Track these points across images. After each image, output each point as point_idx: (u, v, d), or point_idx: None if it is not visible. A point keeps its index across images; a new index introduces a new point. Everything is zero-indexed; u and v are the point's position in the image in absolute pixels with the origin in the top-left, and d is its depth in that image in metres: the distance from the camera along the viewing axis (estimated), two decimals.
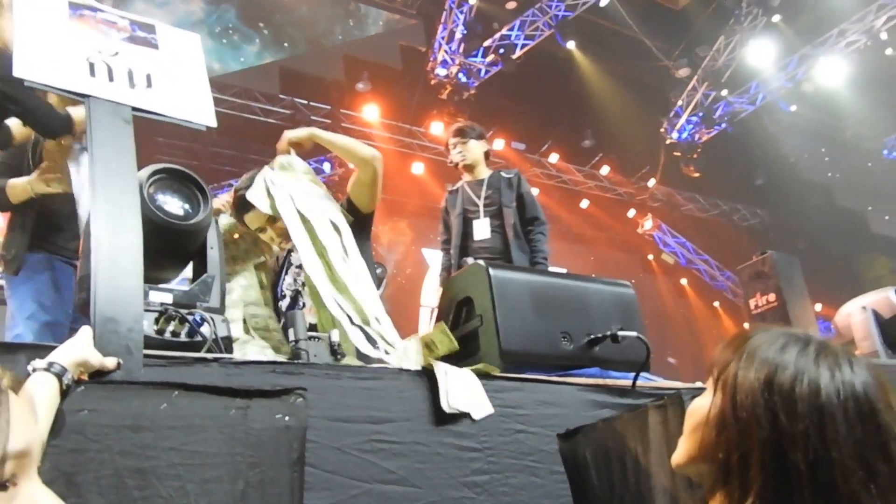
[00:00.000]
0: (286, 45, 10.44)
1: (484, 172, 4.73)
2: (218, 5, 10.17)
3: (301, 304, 2.89)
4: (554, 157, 13.24)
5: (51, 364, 1.24)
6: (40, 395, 1.17)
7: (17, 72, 1.67)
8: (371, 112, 11.54)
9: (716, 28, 12.18)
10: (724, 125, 13.27)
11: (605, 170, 13.72)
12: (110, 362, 1.36)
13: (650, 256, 14.73)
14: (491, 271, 2.23)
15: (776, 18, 11.55)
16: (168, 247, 1.82)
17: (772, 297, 3.45)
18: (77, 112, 2.91)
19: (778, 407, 1.05)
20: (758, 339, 1.15)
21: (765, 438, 1.05)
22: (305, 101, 11.24)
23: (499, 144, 12.55)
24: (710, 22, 12.26)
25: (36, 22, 1.81)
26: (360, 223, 2.88)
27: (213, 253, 1.93)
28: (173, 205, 1.84)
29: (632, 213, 14.28)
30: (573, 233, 13.19)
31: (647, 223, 14.29)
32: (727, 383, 1.13)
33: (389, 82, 11.56)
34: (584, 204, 13.67)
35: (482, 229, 4.51)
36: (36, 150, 3.25)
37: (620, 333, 2.24)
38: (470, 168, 4.72)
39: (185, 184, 1.88)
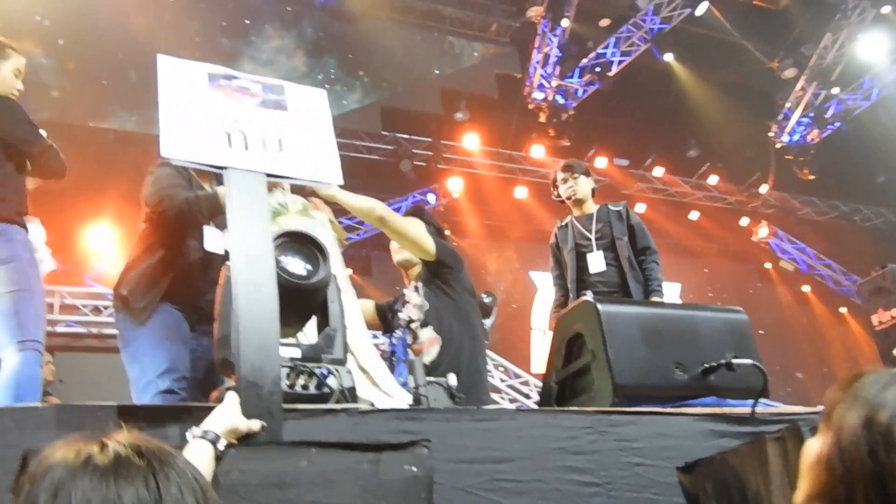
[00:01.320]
0: (385, 84, 10.76)
1: (592, 207, 4.78)
2: (319, 58, 10.61)
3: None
4: (659, 171, 13.05)
5: (206, 432, 1.38)
6: (198, 460, 1.31)
7: (164, 151, 1.84)
8: (471, 141, 11.72)
9: (821, 25, 11.76)
10: (837, 124, 12.75)
11: (713, 179, 13.39)
12: (256, 425, 1.50)
13: (768, 265, 14.23)
14: (600, 307, 2.27)
15: (886, 9, 11.05)
16: (293, 305, 1.96)
17: (895, 311, 3.30)
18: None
19: (877, 443, 1.12)
20: (864, 381, 1.21)
21: (868, 474, 1.11)
22: (406, 136, 11.53)
23: (601, 162, 12.49)
24: (813, 19, 11.85)
25: (178, 97, 1.97)
26: (431, 269, 3.20)
27: (334, 307, 2.06)
28: (296, 265, 1.98)
29: (745, 221, 13.85)
30: (683, 246, 12.91)
31: (762, 231, 13.82)
32: (834, 423, 1.19)
33: (487, 110, 11.72)
34: (694, 216, 13.37)
35: (597, 262, 4.55)
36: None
37: (735, 361, 2.23)
38: (579, 203, 4.77)
39: (305, 245, 2.02)
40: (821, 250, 14.10)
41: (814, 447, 1.22)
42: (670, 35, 11.58)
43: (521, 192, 12.30)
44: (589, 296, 3.55)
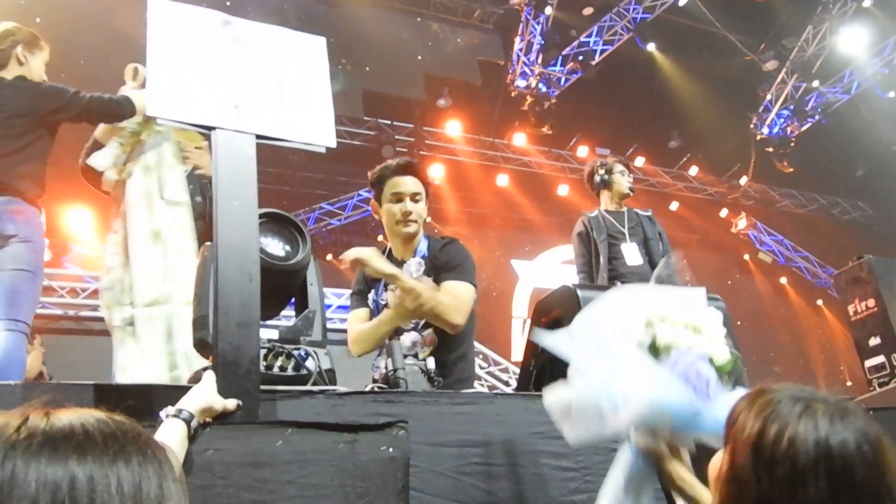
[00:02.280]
0: (368, 69, 10.70)
1: (623, 207, 4.97)
2: None
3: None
4: (640, 161, 13.09)
5: (180, 411, 1.37)
6: (171, 440, 1.29)
7: (151, 111, 1.74)
8: (453, 128, 11.70)
9: (803, 18, 11.81)
10: (817, 117, 12.82)
11: (693, 170, 13.48)
12: (231, 404, 1.48)
13: (746, 256, 14.35)
14: (579, 292, 2.27)
15: (867, 3, 11.11)
16: (272, 286, 1.94)
17: (871, 302, 3.33)
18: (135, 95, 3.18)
19: (762, 468, 1.08)
20: (765, 397, 1.15)
21: (754, 498, 1.09)
22: (389, 122, 11.49)
23: (583, 151, 12.52)
24: (796, 12, 11.89)
25: (168, 46, 1.80)
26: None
27: (313, 289, 2.04)
28: (275, 246, 1.97)
29: (724, 212, 13.96)
30: None
31: (742, 222, 13.93)
32: (731, 440, 1.16)
33: (470, 97, 11.69)
34: (674, 206, 13.45)
35: (633, 255, 4.71)
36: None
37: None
38: (623, 198, 4.95)
39: (284, 226, 2.00)
40: (799, 242, 14.23)
41: (716, 462, 1.20)
42: (653, 25, 11.60)
43: (502, 180, 12.30)
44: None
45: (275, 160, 10.25)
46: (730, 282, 13.99)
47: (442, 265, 2.82)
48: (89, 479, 0.76)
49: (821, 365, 13.47)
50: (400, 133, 11.59)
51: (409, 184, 2.88)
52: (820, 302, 14.23)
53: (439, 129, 11.76)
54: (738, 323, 13.26)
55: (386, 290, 2.88)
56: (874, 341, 3.37)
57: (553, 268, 12.44)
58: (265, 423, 1.44)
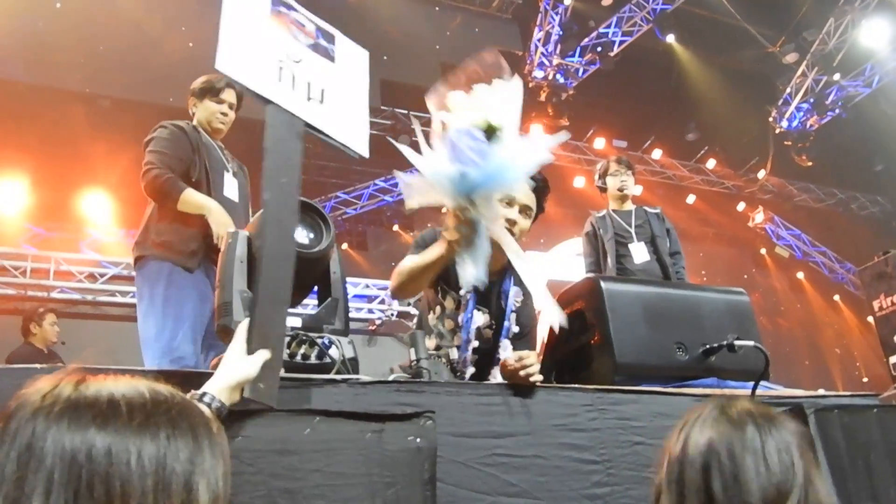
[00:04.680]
0: (385, 58, 10.66)
1: (631, 205, 5.04)
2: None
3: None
4: (657, 153, 13.01)
5: (204, 394, 1.36)
6: None
7: (219, 65, 1.71)
8: None
9: (824, 11, 11.68)
10: (837, 111, 12.70)
11: (711, 163, 13.37)
12: (262, 356, 1.44)
13: (763, 251, 14.23)
14: (603, 284, 2.26)
15: None
16: (296, 274, 1.93)
17: None
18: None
19: (659, 492, 1.20)
20: (688, 418, 1.26)
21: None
22: (406, 111, 11.45)
23: (600, 143, 12.45)
24: (817, 5, 11.76)
25: (239, 13, 1.79)
26: None
27: (336, 277, 2.04)
28: (299, 234, 1.96)
29: (741, 206, 13.84)
30: (679, 229, 12.61)
31: (759, 216, 13.81)
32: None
33: None
34: (691, 199, 13.35)
35: (641, 253, 4.79)
36: (210, 155, 3.36)
37: (737, 343, 2.23)
38: (624, 198, 5.02)
39: (308, 213, 2.00)
40: (816, 237, 14.11)
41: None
42: (673, 16, 11.48)
43: None
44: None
45: None
46: (745, 276, 13.90)
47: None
48: (107, 451, 0.74)
49: (836, 361, 13.37)
50: (417, 122, 11.55)
51: (521, 194, 2.62)
52: (837, 297, 14.12)
53: None
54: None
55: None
56: None
57: (567, 260, 12.39)
58: (292, 412, 1.43)
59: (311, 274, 2.01)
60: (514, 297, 2.60)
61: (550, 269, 12.25)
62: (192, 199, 3.13)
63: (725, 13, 11.78)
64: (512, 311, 2.58)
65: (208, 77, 3.51)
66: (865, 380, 12.83)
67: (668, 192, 13.08)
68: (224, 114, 3.48)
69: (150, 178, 3.13)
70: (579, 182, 12.51)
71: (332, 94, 1.96)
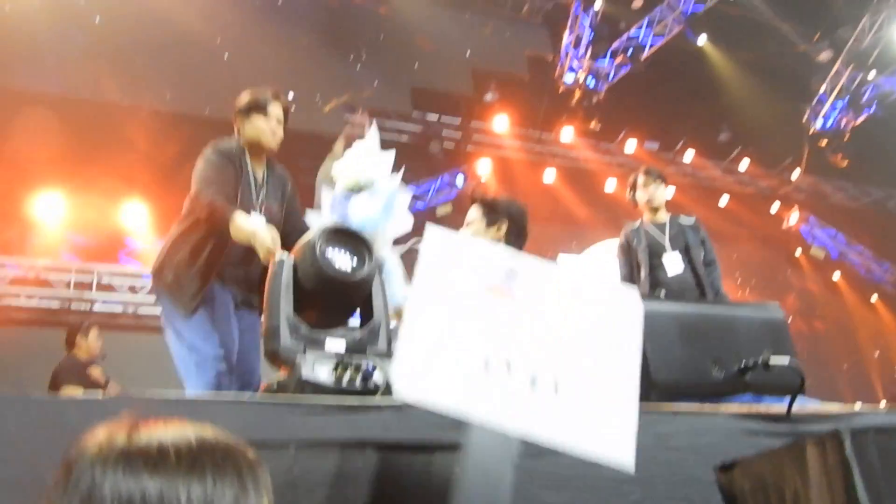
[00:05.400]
0: (416, 65, 10.76)
1: (665, 216, 5.06)
2: (351, 37, 10.67)
3: None
4: (689, 155, 12.93)
5: None
6: None
7: (396, 388, 1.29)
8: (501, 122, 11.69)
9: (859, 8, 11.53)
10: (873, 109, 12.53)
11: (744, 164, 13.24)
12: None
13: (798, 251, 14.06)
14: None
15: None
16: (339, 298, 2.01)
17: None
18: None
19: None
20: None
21: None
22: (436, 116, 11.53)
23: (631, 146, 12.42)
24: (851, 2, 11.62)
25: (433, 293, 1.30)
26: None
27: (378, 300, 2.11)
28: (343, 260, 2.03)
29: (775, 206, 13.69)
30: (713, 231, 12.52)
31: (793, 217, 13.67)
32: None
33: (518, 92, 11.66)
34: (724, 201, 13.24)
35: (675, 264, 4.83)
36: (258, 182, 3.34)
37: (772, 361, 2.25)
38: (655, 210, 5.05)
39: (351, 240, 2.06)
40: (852, 236, 13.92)
41: None
42: (704, 16, 11.42)
43: (550, 175, 12.26)
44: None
45: (312, 152, 10.40)
46: (780, 278, 13.77)
47: None
48: (159, 494, 0.83)
49: (875, 363, 13.18)
50: (447, 128, 11.63)
51: (467, 214, 3.26)
52: (875, 298, 13.91)
53: (486, 124, 11.76)
54: (789, 319, 13.07)
55: None
56: None
57: (601, 262, 12.37)
58: (344, 442, 1.50)
59: (354, 298, 2.08)
60: None
61: (586, 271, 12.26)
62: (242, 225, 2.95)
63: (757, 11, 11.69)
64: None
65: (252, 92, 3.42)
66: None
67: (700, 194, 12.99)
68: (273, 130, 3.39)
69: (206, 208, 3.08)
70: (610, 185, 12.50)
71: (577, 377, 1.36)
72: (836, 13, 11.91)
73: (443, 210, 11.55)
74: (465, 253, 1.36)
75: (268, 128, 3.36)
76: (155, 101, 9.27)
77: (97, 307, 8.23)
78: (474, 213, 3.23)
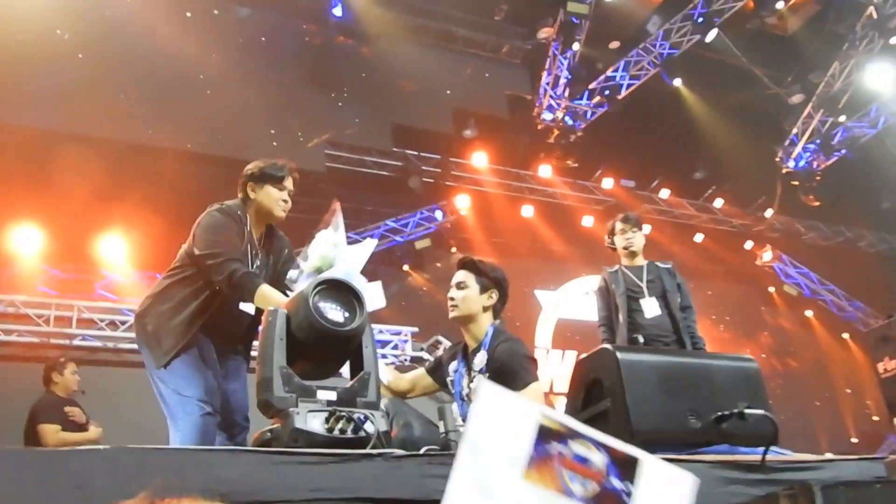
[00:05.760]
0: (397, 103, 10.92)
1: (642, 260, 5.21)
2: (333, 75, 10.80)
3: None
4: (665, 193, 13.16)
5: None
6: None
7: None
8: (480, 159, 11.85)
9: (829, 53, 11.91)
10: (843, 151, 12.86)
11: (718, 202, 13.52)
12: None
13: (771, 289, 14.30)
14: (619, 355, 2.37)
15: (894, 40, 11.17)
16: (331, 350, 2.06)
17: None
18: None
19: None
20: None
21: None
22: (416, 153, 11.66)
23: (608, 183, 12.63)
24: (822, 48, 11.99)
25: (483, 467, 1.14)
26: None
27: (368, 351, 2.17)
28: (335, 313, 2.09)
29: (749, 244, 13.96)
30: (688, 268, 12.85)
31: (767, 254, 13.92)
32: None
33: (497, 130, 11.84)
34: (699, 238, 13.47)
35: (652, 308, 4.96)
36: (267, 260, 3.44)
37: (747, 412, 2.33)
38: (633, 255, 5.19)
39: (344, 293, 2.13)
40: (825, 275, 14.18)
41: None
42: (680, 58, 11.71)
43: (527, 211, 12.41)
44: (611, 344, 3.85)
45: (304, 189, 10.46)
46: (754, 314, 13.97)
47: (501, 368, 3.11)
48: None
49: (847, 399, 13.36)
50: (427, 164, 11.75)
51: (458, 275, 3.42)
52: (846, 336, 14.14)
53: (466, 161, 11.91)
54: (763, 356, 13.27)
55: (469, 373, 3.31)
56: None
57: (576, 298, 12.49)
58: (343, 500, 1.54)
59: (345, 349, 2.14)
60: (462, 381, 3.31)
61: (561, 308, 12.37)
62: (271, 296, 2.94)
63: (731, 55, 12.01)
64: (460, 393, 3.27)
65: (269, 162, 3.48)
66: (876, 418, 12.79)
67: (675, 232, 13.22)
68: (285, 201, 3.44)
69: (227, 270, 3.06)
70: (587, 221, 12.66)
71: None
72: (807, 58, 12.27)
73: (421, 244, 11.65)
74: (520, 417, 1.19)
75: (279, 198, 3.43)
76: (136, 136, 9.30)
77: (76, 342, 8.15)
78: (466, 277, 3.39)
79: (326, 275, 2.34)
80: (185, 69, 9.24)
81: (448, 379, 3.38)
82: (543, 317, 12.38)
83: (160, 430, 3.28)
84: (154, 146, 9.40)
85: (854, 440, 12.88)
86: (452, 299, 3.36)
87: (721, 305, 13.21)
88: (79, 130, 9.02)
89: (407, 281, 11.63)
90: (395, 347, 9.77)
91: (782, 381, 12.86)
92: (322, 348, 2.00)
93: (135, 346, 7.98)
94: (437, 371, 3.48)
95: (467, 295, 3.34)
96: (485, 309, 3.35)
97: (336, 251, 2.80)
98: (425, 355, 9.54)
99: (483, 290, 3.36)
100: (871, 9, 10.98)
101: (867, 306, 14.00)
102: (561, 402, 10.78)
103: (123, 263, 9.34)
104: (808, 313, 14.33)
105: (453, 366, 3.37)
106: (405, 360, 9.62)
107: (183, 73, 9.28)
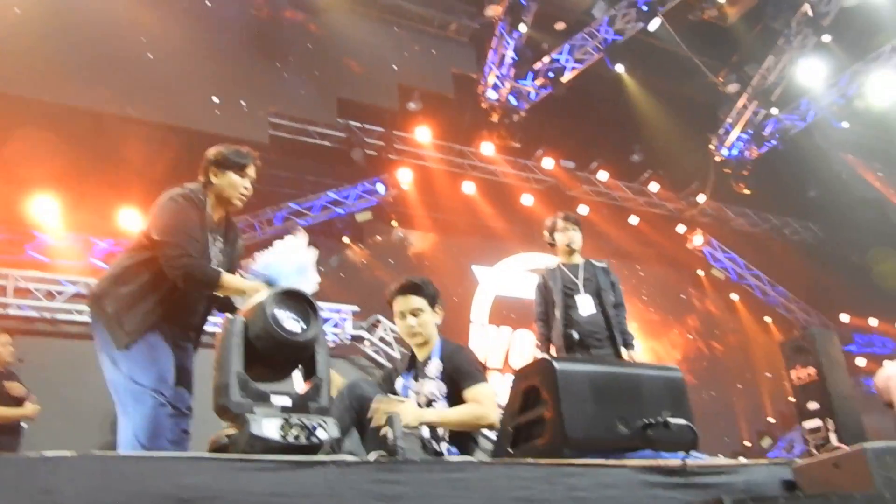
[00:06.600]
0: (343, 77, 10.86)
1: (579, 259, 5.41)
2: (279, 47, 10.69)
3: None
4: (603, 175, 13.45)
5: None
6: None
7: None
8: (423, 134, 11.89)
9: (765, 47, 12.30)
10: (774, 142, 13.36)
11: (653, 186, 13.88)
12: None
13: (700, 272, 14.80)
14: (556, 365, 2.53)
15: (826, 38, 11.61)
16: (286, 357, 2.16)
17: (812, 370, 3.66)
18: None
19: None
20: None
21: None
22: (360, 125, 11.64)
23: (548, 163, 12.83)
24: (758, 40, 12.38)
25: None
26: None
27: (321, 358, 2.27)
28: (291, 323, 2.18)
29: (681, 228, 14.38)
30: (622, 250, 13.36)
31: (697, 239, 14.37)
32: None
33: (441, 107, 11.90)
34: (634, 220, 13.84)
35: (587, 305, 5.19)
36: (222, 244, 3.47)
37: (671, 421, 2.52)
38: (571, 252, 5.39)
39: (299, 303, 2.22)
40: (751, 261, 14.73)
41: None
42: (623, 45, 11.92)
43: (468, 188, 12.53)
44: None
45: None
46: (683, 296, 14.47)
47: (455, 370, 3.30)
48: None
49: (766, 383, 13.98)
50: (370, 136, 11.75)
51: (409, 302, 3.46)
52: (769, 319, 14.77)
53: (409, 135, 11.94)
54: (689, 336, 13.80)
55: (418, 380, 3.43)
56: (812, 406, 3.72)
57: (513, 275, 12.72)
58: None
59: (299, 357, 2.24)
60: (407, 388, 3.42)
61: (499, 286, 12.59)
62: (231, 284, 3.13)
63: (673, 43, 12.27)
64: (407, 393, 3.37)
65: (232, 149, 3.46)
66: (792, 399, 13.43)
67: (611, 213, 13.56)
68: (246, 188, 3.45)
69: (181, 266, 3.11)
70: (527, 200, 12.87)
71: None
72: (744, 50, 12.64)
73: (362, 216, 11.65)
74: None
75: (241, 185, 3.44)
76: (73, 98, 9.05)
77: (11, 311, 7.93)
78: (419, 303, 3.47)
79: (282, 286, 2.42)
80: (125, 31, 9.03)
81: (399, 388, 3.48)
82: (480, 292, 12.59)
83: (98, 406, 3.29)
84: (91, 109, 9.18)
85: (771, 420, 13.53)
86: (412, 327, 3.44)
87: (652, 287, 13.64)
88: (14, 91, 8.74)
89: (346, 253, 11.66)
90: (336, 325, 9.81)
91: (707, 363, 13.41)
92: (278, 356, 2.10)
93: (72, 317, 7.85)
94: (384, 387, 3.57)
95: (425, 320, 3.45)
96: (436, 324, 3.51)
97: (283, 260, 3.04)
98: (365, 334, 9.62)
99: (432, 307, 3.50)
100: (807, 6, 11.36)
101: (789, 291, 14.63)
102: (494, 377, 11.04)
103: (56, 225, 9.13)
104: (734, 297, 14.89)
105: (400, 382, 3.47)
106: (346, 338, 9.66)
107: (123, 36, 9.07)
